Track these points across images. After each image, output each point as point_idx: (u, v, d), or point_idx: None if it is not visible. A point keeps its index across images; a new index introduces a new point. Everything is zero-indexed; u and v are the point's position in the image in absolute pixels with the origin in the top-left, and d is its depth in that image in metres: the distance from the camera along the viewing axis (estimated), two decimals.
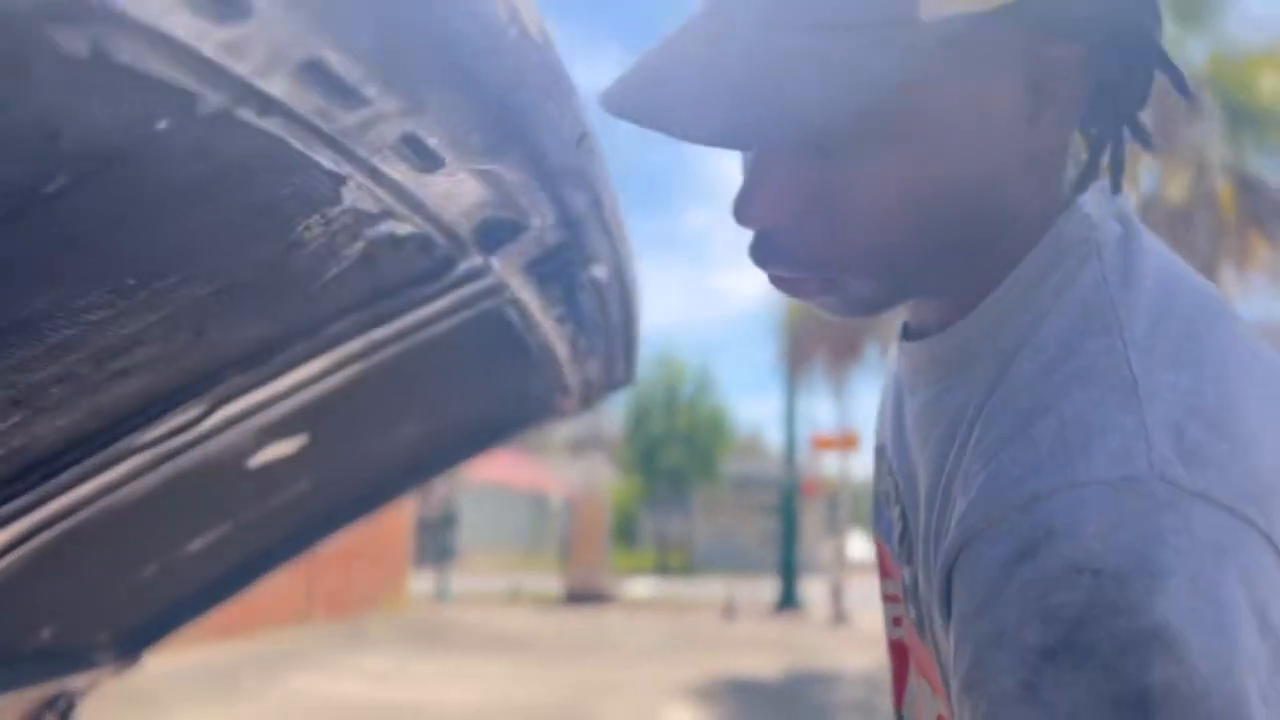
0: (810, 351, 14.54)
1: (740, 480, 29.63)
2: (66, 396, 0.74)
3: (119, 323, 0.68)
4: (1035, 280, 0.62)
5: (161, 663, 8.27)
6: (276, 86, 0.44)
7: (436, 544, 18.81)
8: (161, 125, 0.49)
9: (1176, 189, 7.44)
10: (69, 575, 1.18)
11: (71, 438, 0.82)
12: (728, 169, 0.67)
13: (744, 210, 0.60)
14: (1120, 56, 0.59)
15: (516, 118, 0.59)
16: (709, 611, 15.06)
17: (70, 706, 1.51)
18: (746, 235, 0.63)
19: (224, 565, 1.50)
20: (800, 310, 12.95)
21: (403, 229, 0.74)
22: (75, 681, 1.48)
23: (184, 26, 0.38)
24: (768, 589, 17.41)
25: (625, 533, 29.49)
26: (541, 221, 0.80)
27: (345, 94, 0.47)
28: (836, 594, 14.74)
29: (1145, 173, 7.04)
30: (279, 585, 10.81)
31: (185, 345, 0.76)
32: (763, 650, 10.72)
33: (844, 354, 14.02)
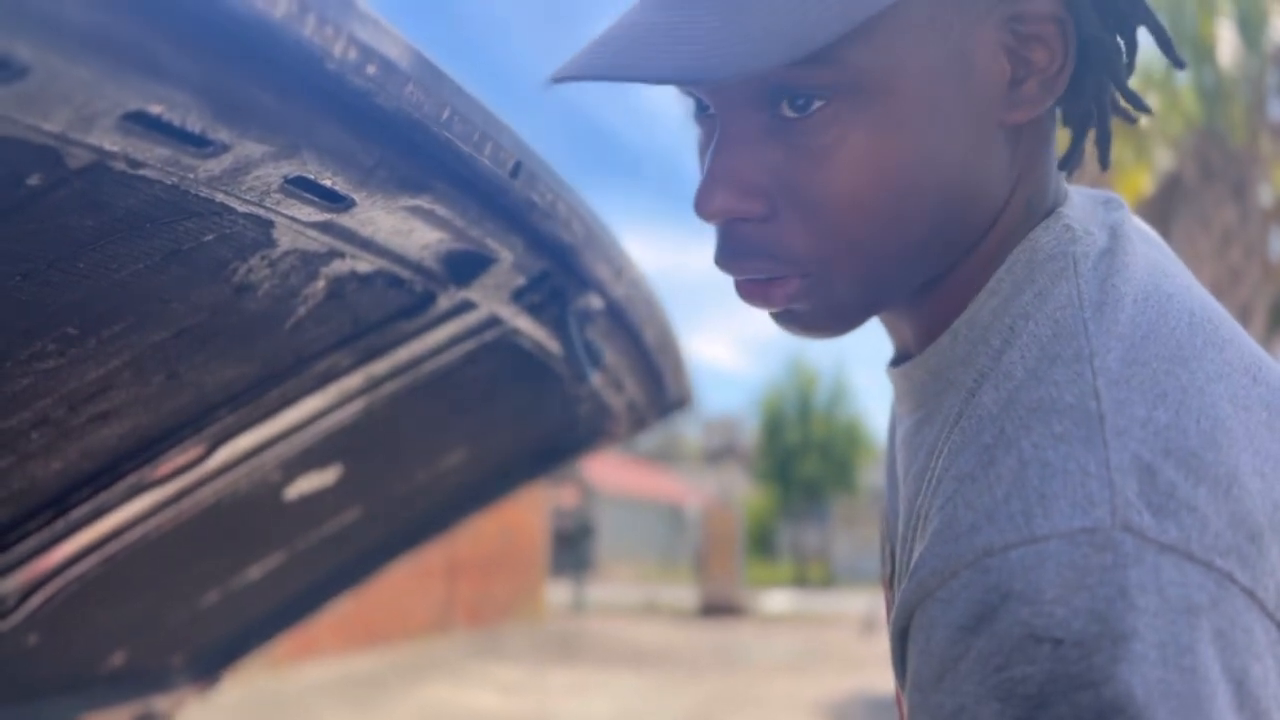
0: None
1: (880, 491, 28.91)
2: (51, 441, 0.77)
3: (80, 369, 0.69)
4: (1008, 298, 0.56)
5: (308, 671, 8.57)
6: (104, 139, 0.43)
7: (573, 555, 19.09)
8: (34, 181, 0.49)
9: None
10: (125, 603, 1.23)
11: (71, 478, 0.84)
12: None
13: (707, 200, 0.54)
14: (1100, 14, 0.54)
15: (418, 153, 0.57)
16: (848, 626, 14.75)
17: None
18: None
19: (289, 590, 1.53)
20: None
21: (363, 266, 0.74)
22: (158, 703, 1.55)
23: None
24: None
25: (762, 544, 29.26)
26: (513, 252, 0.78)
27: (194, 142, 0.46)
28: None
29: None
30: (420, 596, 11.18)
31: (163, 388, 0.78)
32: None
33: None
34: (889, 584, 0.69)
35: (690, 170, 0.60)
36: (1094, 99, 0.57)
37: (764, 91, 0.52)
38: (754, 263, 0.56)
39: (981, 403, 0.53)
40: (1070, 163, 0.58)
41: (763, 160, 0.54)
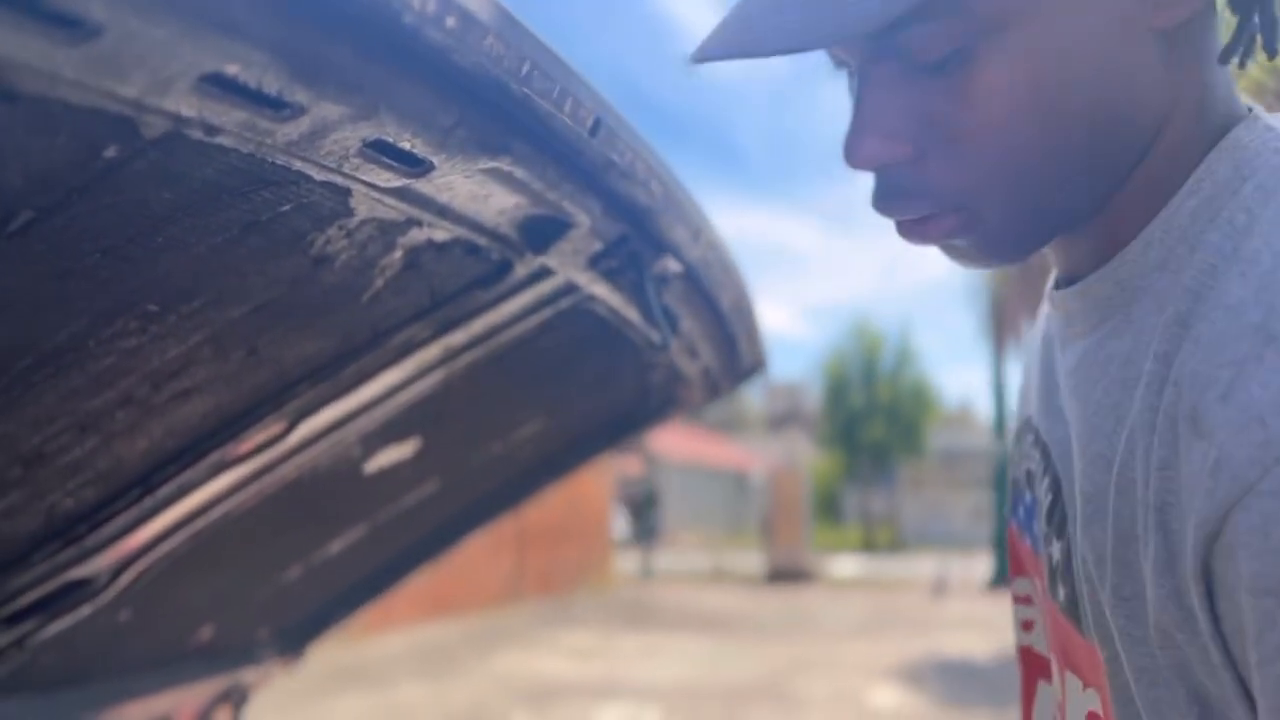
0: (1014, 317, 13.80)
1: (948, 453, 28.63)
2: (136, 419, 0.76)
3: (161, 346, 0.69)
4: (1210, 197, 0.53)
5: (384, 642, 8.75)
6: (180, 104, 0.41)
7: (640, 523, 19.20)
8: (111, 153, 0.48)
9: None
10: (212, 578, 1.25)
11: (156, 456, 0.84)
12: None
13: (855, 150, 0.54)
14: None
15: (497, 112, 0.55)
16: (917, 590, 14.64)
17: (244, 699, 1.60)
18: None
19: (370, 564, 1.54)
20: (1002, 274, 12.32)
21: (440, 235, 0.72)
22: (245, 676, 1.57)
23: (39, 54, 0.36)
24: (980, 566, 16.73)
25: (829, 509, 29.09)
26: (590, 216, 0.75)
27: (271, 104, 0.44)
28: None
29: None
30: (492, 566, 11.34)
31: (243, 364, 0.77)
32: (974, 630, 10.31)
33: None
34: (1048, 522, 0.64)
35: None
36: None
37: (893, 44, 0.51)
38: (907, 204, 0.56)
39: (1230, 290, 0.50)
40: (1232, 53, 0.54)
41: (904, 104, 0.53)
